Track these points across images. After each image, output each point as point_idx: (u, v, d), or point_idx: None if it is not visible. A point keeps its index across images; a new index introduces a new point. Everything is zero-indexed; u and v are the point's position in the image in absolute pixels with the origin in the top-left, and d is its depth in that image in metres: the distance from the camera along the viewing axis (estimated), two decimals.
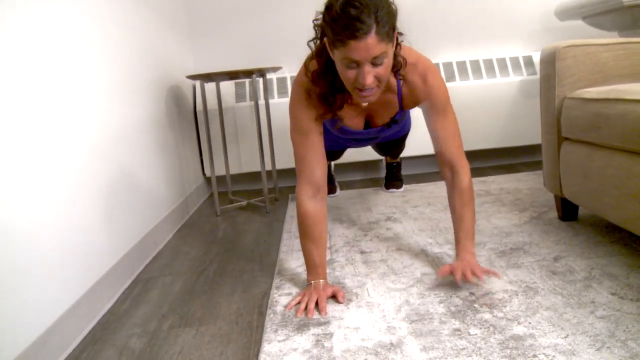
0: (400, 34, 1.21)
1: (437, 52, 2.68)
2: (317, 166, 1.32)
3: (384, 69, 1.14)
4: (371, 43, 1.06)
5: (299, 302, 1.22)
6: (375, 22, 1.05)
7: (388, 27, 1.08)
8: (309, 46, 1.28)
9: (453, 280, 1.24)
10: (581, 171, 1.41)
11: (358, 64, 1.11)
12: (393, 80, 1.33)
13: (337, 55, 1.14)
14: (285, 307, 1.23)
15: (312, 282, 1.28)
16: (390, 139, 1.92)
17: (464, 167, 1.32)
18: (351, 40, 1.06)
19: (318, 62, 1.25)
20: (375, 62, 1.11)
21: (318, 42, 1.25)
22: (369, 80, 1.12)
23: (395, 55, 1.23)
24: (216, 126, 2.48)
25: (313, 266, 1.30)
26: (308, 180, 1.31)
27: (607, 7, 2.04)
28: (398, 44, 1.23)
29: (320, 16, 1.17)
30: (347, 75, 1.15)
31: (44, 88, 1.18)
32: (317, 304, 1.20)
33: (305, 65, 1.29)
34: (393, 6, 1.12)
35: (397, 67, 1.27)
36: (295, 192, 1.35)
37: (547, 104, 1.57)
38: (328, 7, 1.10)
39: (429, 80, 1.31)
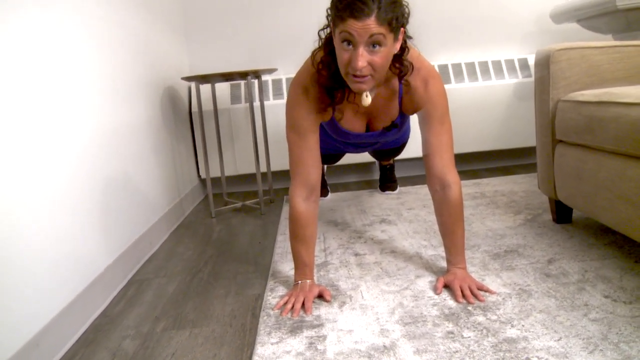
0: (409, 37, 1.20)
1: (433, 54, 2.68)
2: (313, 168, 1.31)
3: (380, 57, 1.10)
4: (370, 24, 1.05)
5: (286, 302, 1.24)
6: (377, 7, 1.04)
7: (391, 16, 1.06)
8: (319, 35, 1.25)
9: (449, 286, 1.24)
10: (575, 174, 1.41)
11: (354, 45, 1.09)
12: (396, 84, 1.31)
13: (336, 35, 1.11)
14: (273, 307, 1.24)
15: (300, 282, 1.29)
16: (389, 147, 1.92)
17: (455, 182, 1.28)
18: (350, 18, 1.05)
19: (324, 50, 1.23)
20: (371, 47, 1.08)
21: (328, 30, 1.22)
22: (362, 62, 1.08)
23: (403, 60, 1.21)
24: (211, 128, 2.49)
25: (301, 266, 1.31)
26: (303, 181, 1.31)
27: (602, 11, 2.05)
28: (407, 47, 1.21)
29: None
30: (342, 56, 1.12)
31: (36, 89, 1.17)
32: (303, 304, 1.22)
33: (313, 54, 1.27)
34: (405, 3, 1.11)
35: (404, 72, 1.24)
36: (289, 193, 1.35)
37: (541, 107, 1.58)
38: None
39: (430, 86, 1.28)
